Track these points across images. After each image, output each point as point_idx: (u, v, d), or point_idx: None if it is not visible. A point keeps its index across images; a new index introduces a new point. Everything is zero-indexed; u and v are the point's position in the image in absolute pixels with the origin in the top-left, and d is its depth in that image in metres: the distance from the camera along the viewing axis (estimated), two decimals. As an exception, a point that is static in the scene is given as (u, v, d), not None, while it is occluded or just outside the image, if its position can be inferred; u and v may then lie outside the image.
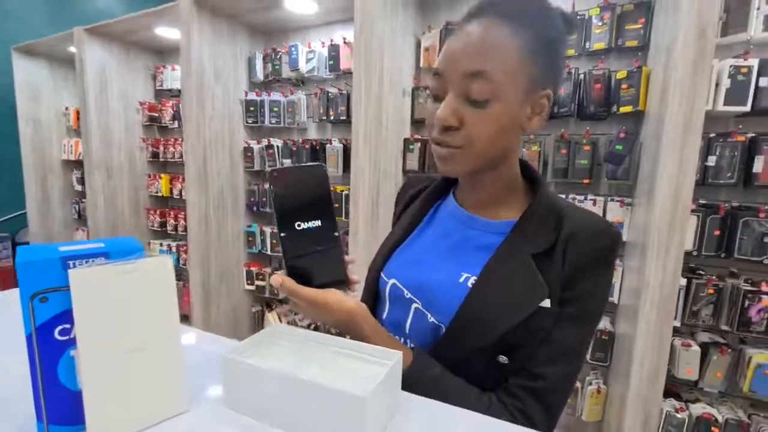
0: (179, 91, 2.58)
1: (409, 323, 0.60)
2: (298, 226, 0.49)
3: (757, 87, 1.28)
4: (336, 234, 0.51)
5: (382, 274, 0.65)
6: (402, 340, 0.60)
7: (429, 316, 0.57)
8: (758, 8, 1.28)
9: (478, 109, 0.50)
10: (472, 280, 0.55)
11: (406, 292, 0.61)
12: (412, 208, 0.70)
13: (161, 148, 2.81)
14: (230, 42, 2.23)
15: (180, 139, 2.67)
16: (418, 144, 1.84)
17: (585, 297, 0.53)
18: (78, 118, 2.87)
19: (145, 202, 2.97)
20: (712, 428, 1.38)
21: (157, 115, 2.81)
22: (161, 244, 2.87)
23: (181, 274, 2.66)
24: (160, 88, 2.82)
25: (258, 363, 0.41)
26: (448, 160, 0.54)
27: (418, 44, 1.87)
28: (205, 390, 0.46)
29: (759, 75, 1.28)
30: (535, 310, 0.51)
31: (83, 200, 3.14)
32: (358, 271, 0.56)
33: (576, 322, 0.53)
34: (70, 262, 0.36)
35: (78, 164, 3.19)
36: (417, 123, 1.91)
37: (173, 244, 2.83)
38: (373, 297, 0.66)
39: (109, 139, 2.71)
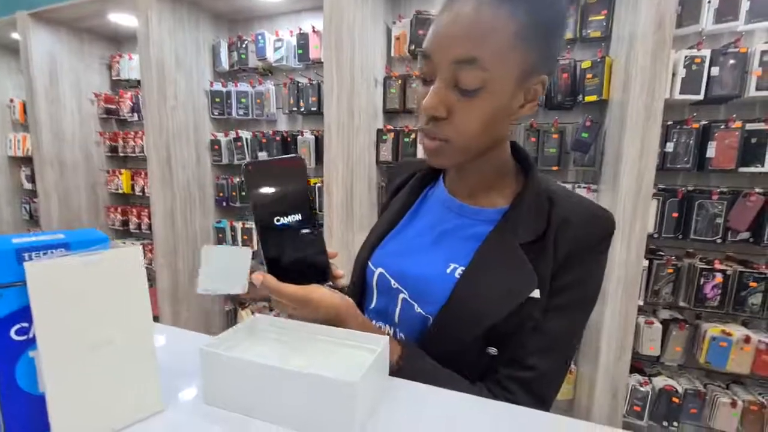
0: (138, 81, 2.44)
1: (398, 313, 0.58)
2: (278, 221, 0.47)
3: (709, 76, 1.36)
4: (317, 227, 0.49)
5: (370, 263, 0.63)
6: (391, 329, 0.59)
7: (416, 306, 0.56)
8: (709, 1, 1.36)
9: (467, 97, 0.46)
10: (460, 270, 0.53)
11: (393, 281, 0.59)
12: (401, 194, 0.67)
13: (120, 142, 2.66)
14: (192, 29, 2.13)
15: (141, 132, 2.54)
16: (391, 134, 1.83)
17: (577, 285, 0.51)
18: (25, 111, 2.67)
19: (104, 200, 2.81)
20: (673, 399, 1.48)
21: (114, 107, 2.65)
22: (124, 243, 2.73)
23: (147, 275, 2.54)
24: (117, 78, 2.66)
25: (239, 355, 0.39)
26: (436, 153, 0.51)
27: (389, 33, 1.85)
28: (181, 388, 0.44)
29: (711, 65, 1.35)
30: (524, 301, 0.49)
31: (34, 200, 2.93)
32: (336, 264, 0.54)
33: (567, 312, 0.51)
34: (26, 255, 0.33)
35: (27, 161, 2.96)
36: (389, 113, 1.90)
37: (137, 243, 2.69)
38: (360, 286, 0.65)
39: (61, 134, 2.53)
